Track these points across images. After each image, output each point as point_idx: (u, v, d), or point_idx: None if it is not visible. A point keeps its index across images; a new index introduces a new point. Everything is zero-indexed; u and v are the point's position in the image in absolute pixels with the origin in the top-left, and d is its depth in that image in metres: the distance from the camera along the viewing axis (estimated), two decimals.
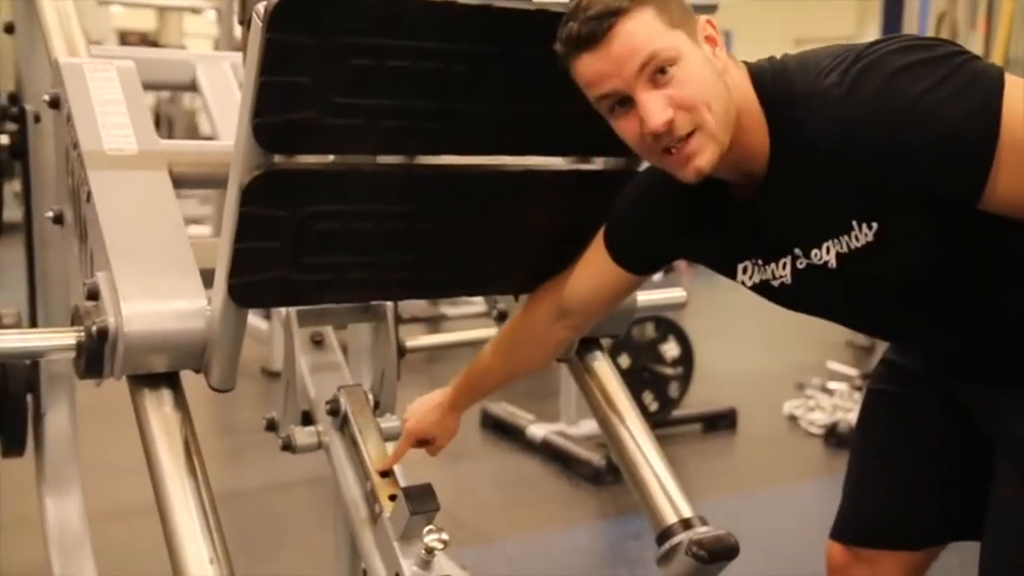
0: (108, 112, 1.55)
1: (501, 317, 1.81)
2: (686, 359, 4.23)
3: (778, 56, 1.33)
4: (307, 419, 1.80)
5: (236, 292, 1.28)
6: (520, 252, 1.48)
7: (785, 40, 12.57)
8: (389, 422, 1.82)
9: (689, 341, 4.24)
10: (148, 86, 2.05)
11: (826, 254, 1.31)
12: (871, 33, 14.43)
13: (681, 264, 5.99)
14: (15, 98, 2.35)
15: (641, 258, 1.50)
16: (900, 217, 1.24)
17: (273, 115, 1.18)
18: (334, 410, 1.70)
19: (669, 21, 1.22)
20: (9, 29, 2.34)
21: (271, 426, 1.81)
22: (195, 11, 7.78)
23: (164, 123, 8.57)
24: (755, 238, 1.38)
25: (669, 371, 4.19)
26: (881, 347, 1.68)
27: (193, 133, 7.86)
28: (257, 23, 1.15)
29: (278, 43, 1.13)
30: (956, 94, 1.15)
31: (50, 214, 1.71)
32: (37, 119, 2.26)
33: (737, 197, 1.35)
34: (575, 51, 1.23)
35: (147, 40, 15.19)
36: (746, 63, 1.32)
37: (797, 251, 1.34)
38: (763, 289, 1.42)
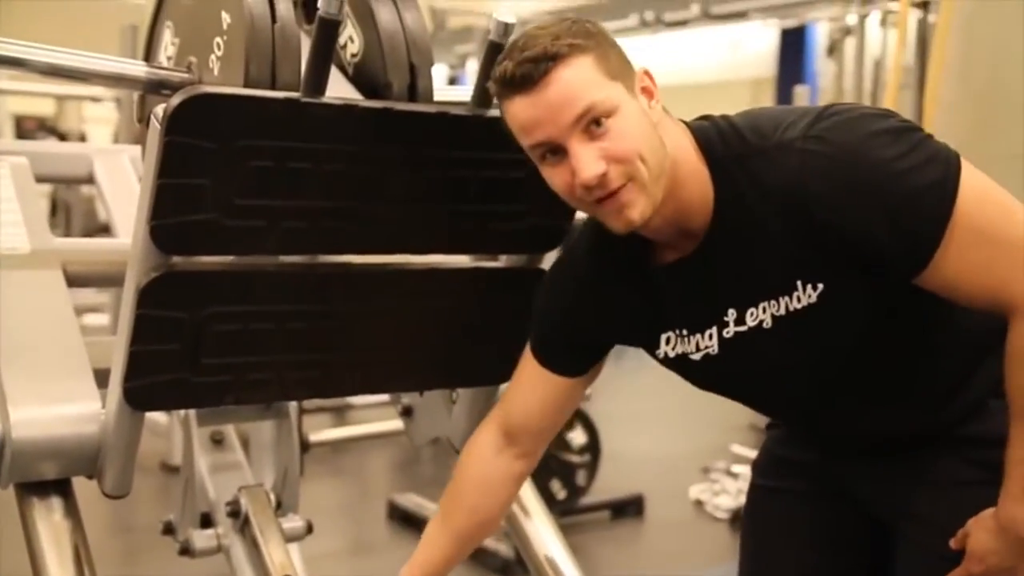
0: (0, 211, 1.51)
1: (406, 412, 1.79)
2: (593, 446, 4.23)
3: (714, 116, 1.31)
4: (207, 521, 1.76)
5: (132, 396, 1.25)
6: (424, 350, 1.47)
7: None
8: (291, 522, 1.78)
9: (595, 428, 4.24)
10: (44, 179, 2.02)
11: (762, 313, 1.29)
12: None
13: None
14: None
15: (573, 358, 1.43)
16: (844, 280, 1.24)
17: (171, 217, 1.16)
18: (234, 512, 1.66)
19: (607, 71, 1.18)
20: None
21: (168, 529, 1.75)
22: (94, 100, 7.68)
23: (62, 211, 8.39)
24: (683, 304, 1.34)
25: (576, 459, 4.18)
26: None
27: (92, 221, 7.71)
28: (155, 125, 1.14)
29: (177, 146, 1.12)
30: (919, 167, 1.17)
31: None
32: None
33: (666, 259, 1.32)
34: (508, 92, 1.18)
35: (45, 126, 14.91)
36: (683, 121, 1.30)
37: (731, 314, 1.31)
38: (680, 362, 1.38)
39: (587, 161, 1.18)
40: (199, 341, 1.25)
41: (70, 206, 8.26)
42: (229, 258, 1.34)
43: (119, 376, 1.25)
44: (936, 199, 1.17)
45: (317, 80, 1.20)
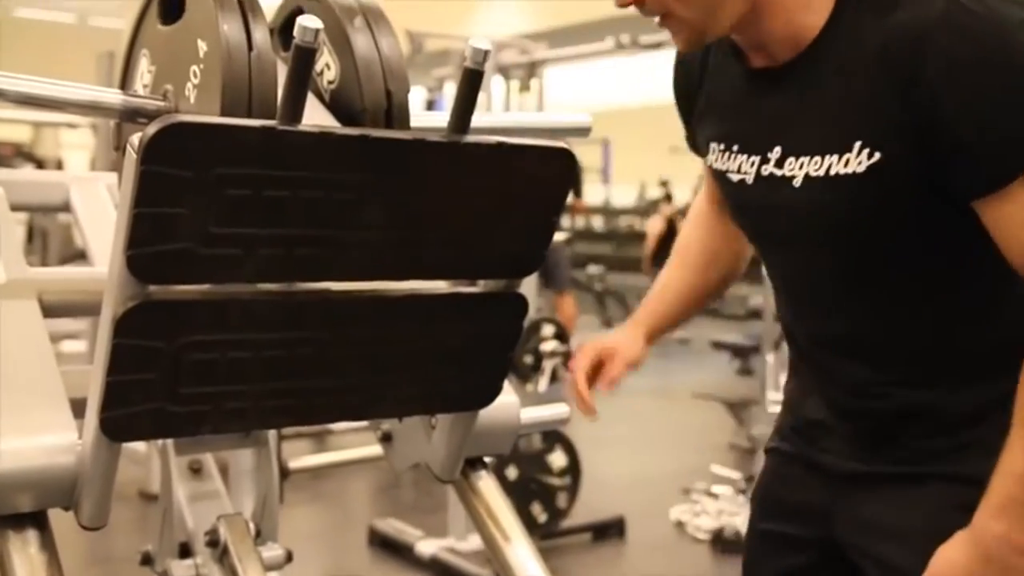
0: None
1: (386, 438, 1.78)
2: (573, 468, 4.22)
3: None
4: (185, 551, 1.74)
5: (108, 426, 1.24)
6: (403, 375, 1.46)
7: (660, 148, 13.07)
8: (271, 551, 1.76)
9: (576, 450, 4.24)
10: (20, 208, 2.01)
11: (798, 169, 1.23)
12: None
13: (567, 373, 6.01)
14: None
15: (696, 138, 1.44)
16: (903, 163, 1.16)
17: (148, 246, 1.15)
18: (213, 541, 1.64)
19: None
20: None
21: (146, 560, 1.74)
22: (71, 126, 7.66)
23: (38, 237, 8.35)
24: (746, 117, 1.30)
25: (557, 481, 4.18)
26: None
27: (69, 248, 7.67)
28: (131, 154, 1.13)
29: (153, 175, 1.12)
30: None
31: None
32: None
33: (755, 63, 1.28)
34: None
35: (21, 152, 14.89)
36: None
37: (776, 151, 1.25)
38: (720, 178, 1.35)
39: None
40: (176, 370, 1.25)
41: (47, 233, 8.22)
42: (206, 286, 1.33)
43: (96, 407, 1.24)
44: None
45: (293, 108, 1.20)
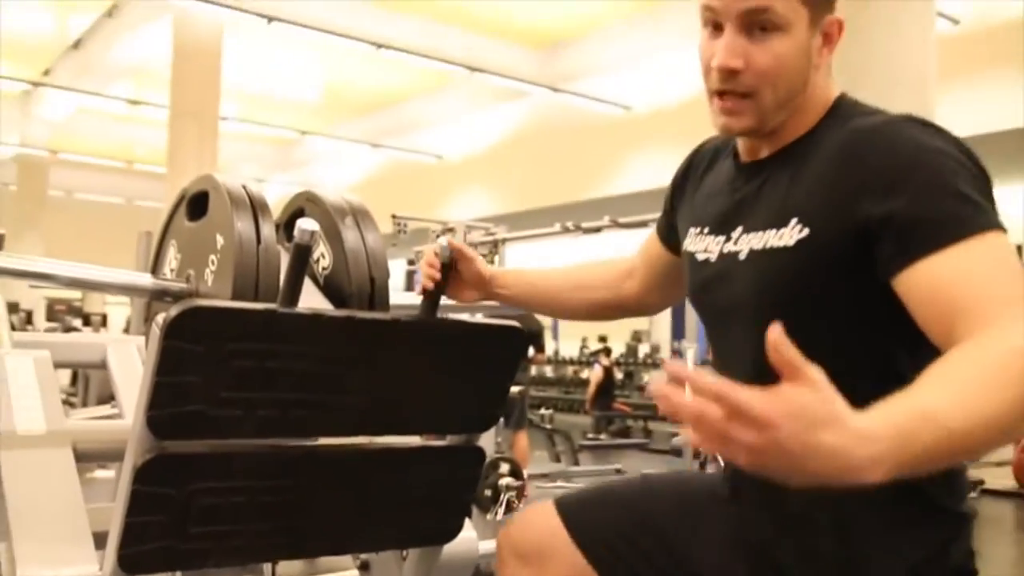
0: (22, 397, 1.46)
1: (364, 567, 1.72)
2: None
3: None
4: None
5: (124, 562, 1.19)
6: (380, 516, 1.42)
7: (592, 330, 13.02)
8: None
9: None
10: (64, 365, 1.97)
11: (744, 244, 1.14)
12: (662, 327, 14.90)
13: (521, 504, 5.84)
14: None
15: (666, 222, 1.36)
16: (828, 240, 1.06)
17: (165, 408, 1.13)
18: None
19: None
20: None
21: None
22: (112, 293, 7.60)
23: (81, 380, 8.20)
24: (722, 204, 1.21)
25: None
26: None
27: (107, 388, 7.52)
28: (156, 331, 1.12)
29: (173, 349, 1.10)
30: (970, 181, 1.00)
31: None
32: None
33: (743, 159, 1.20)
34: None
35: (72, 308, 14.77)
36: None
37: (737, 231, 1.16)
38: (689, 260, 1.25)
39: (730, 50, 1.08)
40: (186, 513, 1.20)
41: (88, 376, 8.06)
42: (213, 441, 1.30)
43: (115, 544, 1.19)
44: (974, 211, 0.99)
45: (292, 294, 1.20)
